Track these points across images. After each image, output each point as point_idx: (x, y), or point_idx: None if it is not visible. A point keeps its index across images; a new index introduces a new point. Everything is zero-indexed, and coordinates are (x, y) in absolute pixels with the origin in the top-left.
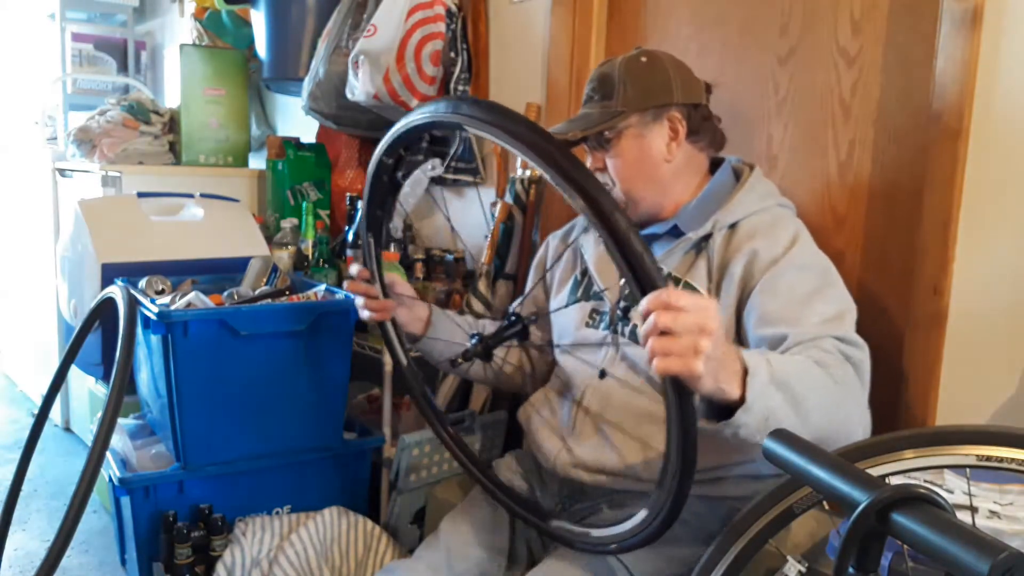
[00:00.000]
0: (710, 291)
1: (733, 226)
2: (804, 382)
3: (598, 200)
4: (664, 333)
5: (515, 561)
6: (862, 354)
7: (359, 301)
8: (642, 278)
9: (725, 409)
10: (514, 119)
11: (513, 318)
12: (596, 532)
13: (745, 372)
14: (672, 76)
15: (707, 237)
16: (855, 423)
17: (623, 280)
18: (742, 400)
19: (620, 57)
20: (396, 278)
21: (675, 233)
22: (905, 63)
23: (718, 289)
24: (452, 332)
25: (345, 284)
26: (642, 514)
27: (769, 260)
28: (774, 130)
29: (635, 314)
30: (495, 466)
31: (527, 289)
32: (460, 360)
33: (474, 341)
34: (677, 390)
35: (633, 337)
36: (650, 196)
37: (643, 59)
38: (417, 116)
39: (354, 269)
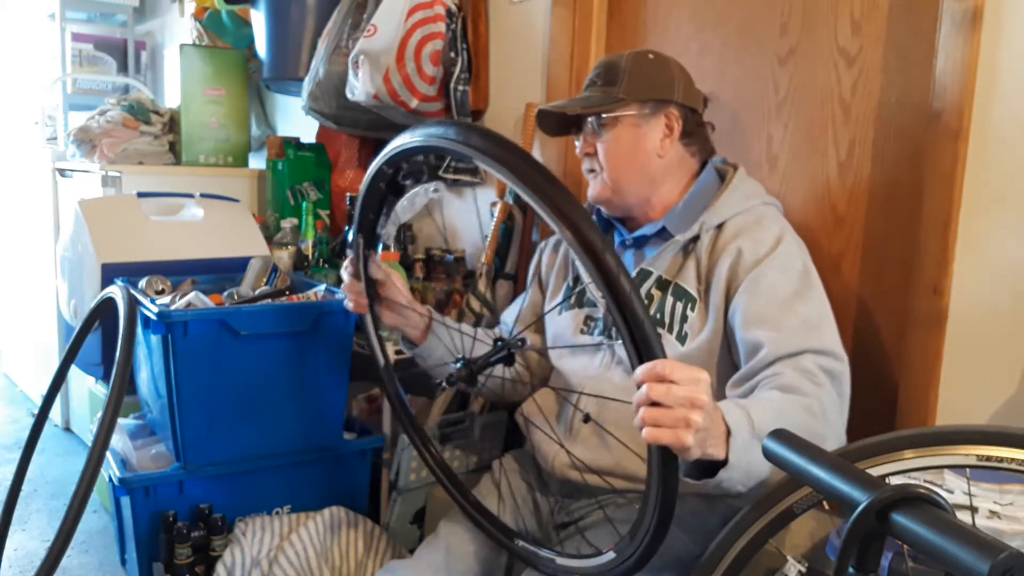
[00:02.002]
0: (699, 292)
1: (720, 227)
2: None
3: (604, 260)
4: (655, 404)
5: (515, 560)
6: (842, 366)
7: (347, 294)
8: (640, 344)
9: (708, 465)
10: (530, 164)
11: (499, 344)
12: (561, 560)
13: (728, 433)
14: (676, 76)
15: (695, 239)
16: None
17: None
18: (725, 460)
19: (628, 51)
20: (395, 281)
21: (663, 235)
22: (905, 63)
23: (707, 290)
24: (450, 344)
25: (344, 278)
26: (610, 555)
27: (753, 261)
28: (774, 130)
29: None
30: (494, 466)
31: (521, 300)
32: (444, 385)
33: (458, 365)
34: (663, 458)
35: None
36: (637, 187)
37: (651, 56)
38: (422, 137)
39: (345, 276)
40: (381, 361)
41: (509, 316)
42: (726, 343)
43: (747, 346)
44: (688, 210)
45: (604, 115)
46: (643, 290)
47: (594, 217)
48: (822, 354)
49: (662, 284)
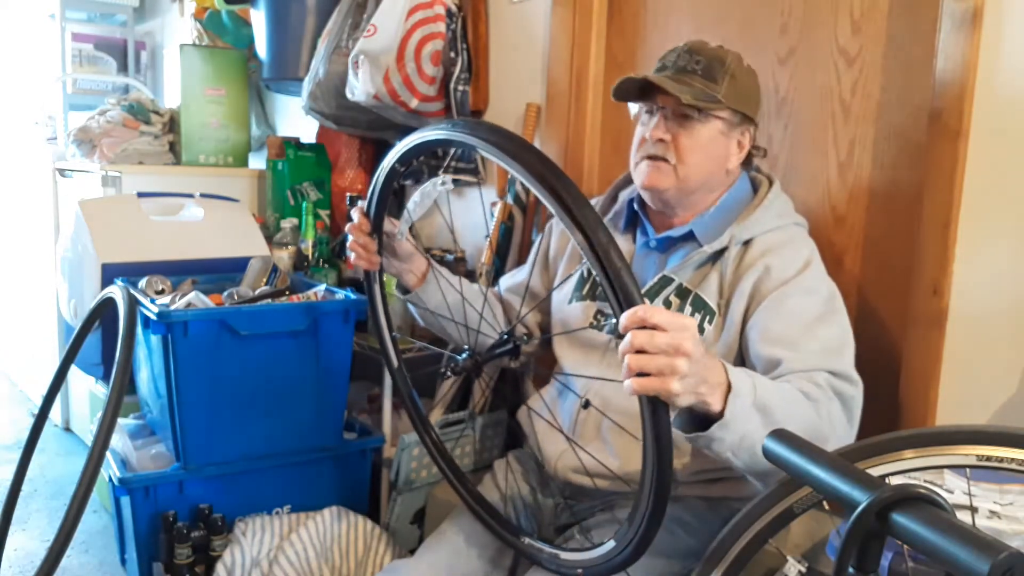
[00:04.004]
0: (719, 306)
1: (747, 242)
2: (786, 412)
3: (595, 235)
4: (641, 352)
5: (519, 561)
6: (854, 390)
7: (353, 246)
8: (620, 291)
9: (702, 421)
10: (528, 150)
11: (505, 336)
12: (565, 555)
13: (729, 389)
14: (760, 96)
15: (722, 250)
16: None
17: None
18: (721, 415)
19: (726, 48)
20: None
21: (690, 241)
22: (905, 63)
23: (728, 304)
24: (443, 294)
25: (350, 223)
26: (610, 544)
27: (780, 280)
28: (774, 130)
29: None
30: (495, 467)
31: (527, 271)
32: (448, 373)
33: (464, 356)
34: (654, 413)
35: None
36: (697, 189)
37: (746, 64)
38: (432, 133)
39: (355, 216)
40: (395, 363)
41: (507, 282)
42: (740, 359)
43: (763, 362)
44: (718, 219)
45: (703, 112)
46: (662, 296)
47: (626, 210)
48: (837, 376)
49: (682, 292)
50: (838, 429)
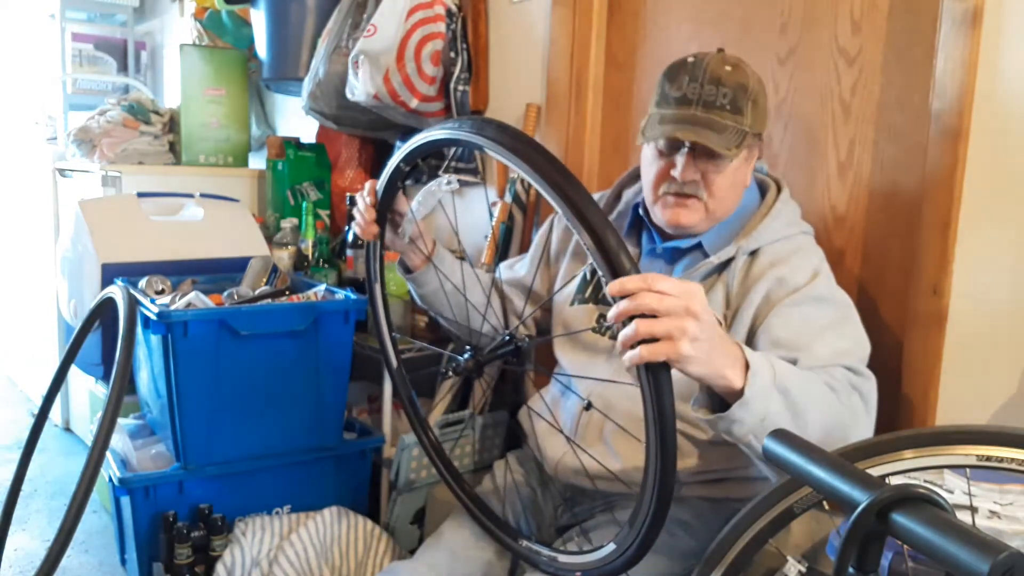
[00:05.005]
0: (725, 317)
1: (754, 252)
2: (807, 395)
3: (604, 235)
4: (647, 317)
5: (518, 562)
6: (870, 385)
7: (357, 219)
8: (615, 261)
9: (720, 404)
10: (534, 147)
11: (507, 337)
12: (563, 558)
13: (747, 367)
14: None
15: (728, 261)
16: None
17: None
18: (741, 393)
19: (745, 66)
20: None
21: (697, 251)
22: (905, 63)
23: (735, 315)
24: (445, 280)
25: (360, 204)
26: (610, 547)
27: (791, 288)
28: (774, 130)
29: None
30: (495, 467)
31: (529, 268)
32: (449, 372)
33: (466, 356)
34: (656, 386)
35: None
36: (724, 216)
37: (757, 76)
38: (438, 132)
39: (361, 202)
40: (394, 364)
41: (506, 273)
42: None
43: None
44: (726, 228)
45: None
46: None
47: (630, 213)
48: (851, 371)
49: None
50: (860, 419)
